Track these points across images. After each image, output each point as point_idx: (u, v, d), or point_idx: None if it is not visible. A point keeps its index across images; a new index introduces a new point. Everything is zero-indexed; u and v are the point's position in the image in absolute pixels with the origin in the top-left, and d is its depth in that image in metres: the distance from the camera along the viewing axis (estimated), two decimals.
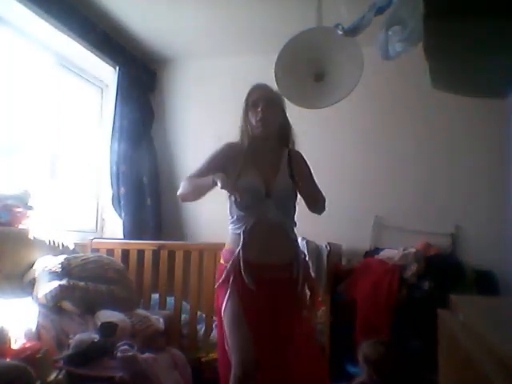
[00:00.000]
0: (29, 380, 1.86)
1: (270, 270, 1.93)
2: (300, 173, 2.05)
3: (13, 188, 2.89)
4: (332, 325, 3.18)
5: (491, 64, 1.19)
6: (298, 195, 2.08)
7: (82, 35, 3.42)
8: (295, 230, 2.10)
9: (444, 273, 3.16)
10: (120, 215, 3.95)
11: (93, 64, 3.86)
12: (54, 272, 2.72)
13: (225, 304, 1.91)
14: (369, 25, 2.12)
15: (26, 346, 2.11)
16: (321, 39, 2.64)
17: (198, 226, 4.22)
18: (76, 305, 2.69)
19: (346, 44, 2.56)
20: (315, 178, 2.16)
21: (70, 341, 2.39)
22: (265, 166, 2.04)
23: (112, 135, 3.92)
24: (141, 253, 3.58)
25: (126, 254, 3.59)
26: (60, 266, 2.77)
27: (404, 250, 3.34)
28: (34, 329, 2.31)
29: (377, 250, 3.61)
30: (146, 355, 2.46)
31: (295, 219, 2.10)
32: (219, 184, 1.82)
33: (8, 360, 1.96)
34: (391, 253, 3.39)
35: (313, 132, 3.85)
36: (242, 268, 1.89)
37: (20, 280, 2.73)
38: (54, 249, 2.99)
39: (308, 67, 2.72)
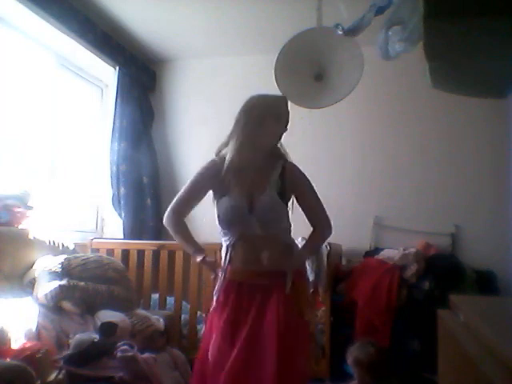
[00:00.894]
0: (29, 380, 1.85)
1: (257, 276, 1.91)
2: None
3: (13, 188, 2.90)
4: (332, 325, 3.18)
5: (491, 64, 1.19)
6: (291, 208, 2.00)
7: (81, 35, 3.42)
8: (291, 233, 2.03)
9: (444, 273, 3.16)
10: (120, 215, 3.95)
11: (93, 64, 3.85)
12: (54, 272, 2.72)
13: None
14: (369, 25, 2.12)
15: (26, 346, 2.11)
16: (321, 39, 2.64)
17: (198, 226, 4.21)
18: (76, 305, 2.69)
19: (346, 44, 2.57)
20: (315, 186, 2.04)
21: (70, 341, 2.38)
22: (254, 179, 1.94)
23: (112, 135, 3.92)
24: (141, 253, 3.58)
25: (126, 254, 3.59)
26: (60, 266, 2.77)
27: (404, 250, 3.34)
28: (33, 329, 2.31)
29: (377, 250, 3.61)
30: (146, 355, 2.46)
31: (289, 228, 2.01)
32: (198, 260, 1.96)
33: (8, 360, 1.95)
34: (391, 253, 3.39)
35: (313, 132, 3.85)
36: (227, 278, 1.92)
37: (20, 280, 2.73)
38: (54, 249, 3.00)
39: (308, 67, 2.72)
